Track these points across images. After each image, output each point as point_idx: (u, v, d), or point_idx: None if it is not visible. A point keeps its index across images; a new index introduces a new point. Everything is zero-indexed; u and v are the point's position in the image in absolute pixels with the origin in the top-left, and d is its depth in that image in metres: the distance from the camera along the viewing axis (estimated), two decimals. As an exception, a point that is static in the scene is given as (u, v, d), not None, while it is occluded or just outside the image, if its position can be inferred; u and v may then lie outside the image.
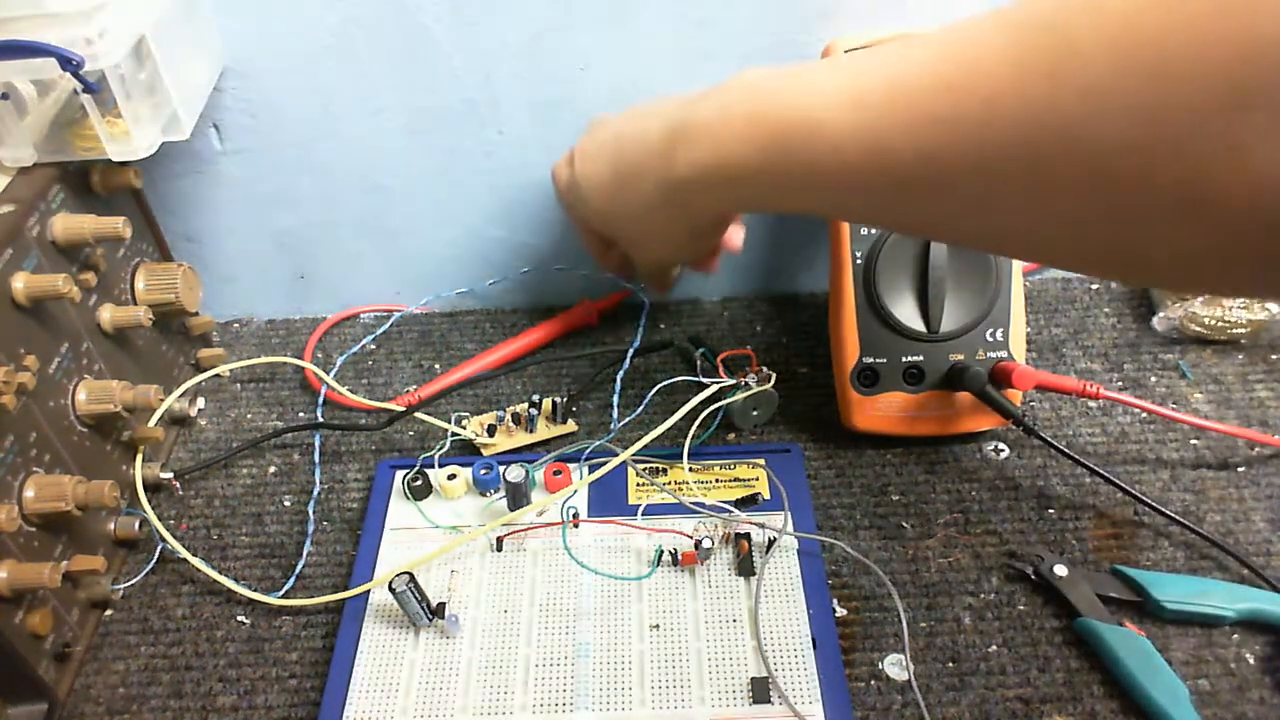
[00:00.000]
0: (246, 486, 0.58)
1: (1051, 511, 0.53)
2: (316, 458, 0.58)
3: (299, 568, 0.52)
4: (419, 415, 0.58)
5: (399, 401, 0.60)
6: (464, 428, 0.57)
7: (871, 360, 0.56)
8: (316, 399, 0.62)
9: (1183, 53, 0.26)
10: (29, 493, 0.45)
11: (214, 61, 0.57)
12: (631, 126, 0.47)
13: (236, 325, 0.70)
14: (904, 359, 0.56)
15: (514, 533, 0.51)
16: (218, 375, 0.63)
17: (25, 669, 0.45)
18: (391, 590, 0.45)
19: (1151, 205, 0.29)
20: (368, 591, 0.48)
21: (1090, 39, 0.28)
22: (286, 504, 0.57)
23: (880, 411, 0.57)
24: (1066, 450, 0.52)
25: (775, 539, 0.49)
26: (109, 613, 0.51)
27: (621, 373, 0.60)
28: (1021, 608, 0.49)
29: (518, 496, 0.50)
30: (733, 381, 0.56)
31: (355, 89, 0.59)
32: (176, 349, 0.62)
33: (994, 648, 0.47)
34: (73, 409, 0.50)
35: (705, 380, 0.56)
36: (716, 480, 0.54)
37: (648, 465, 0.54)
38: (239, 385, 0.65)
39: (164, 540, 0.52)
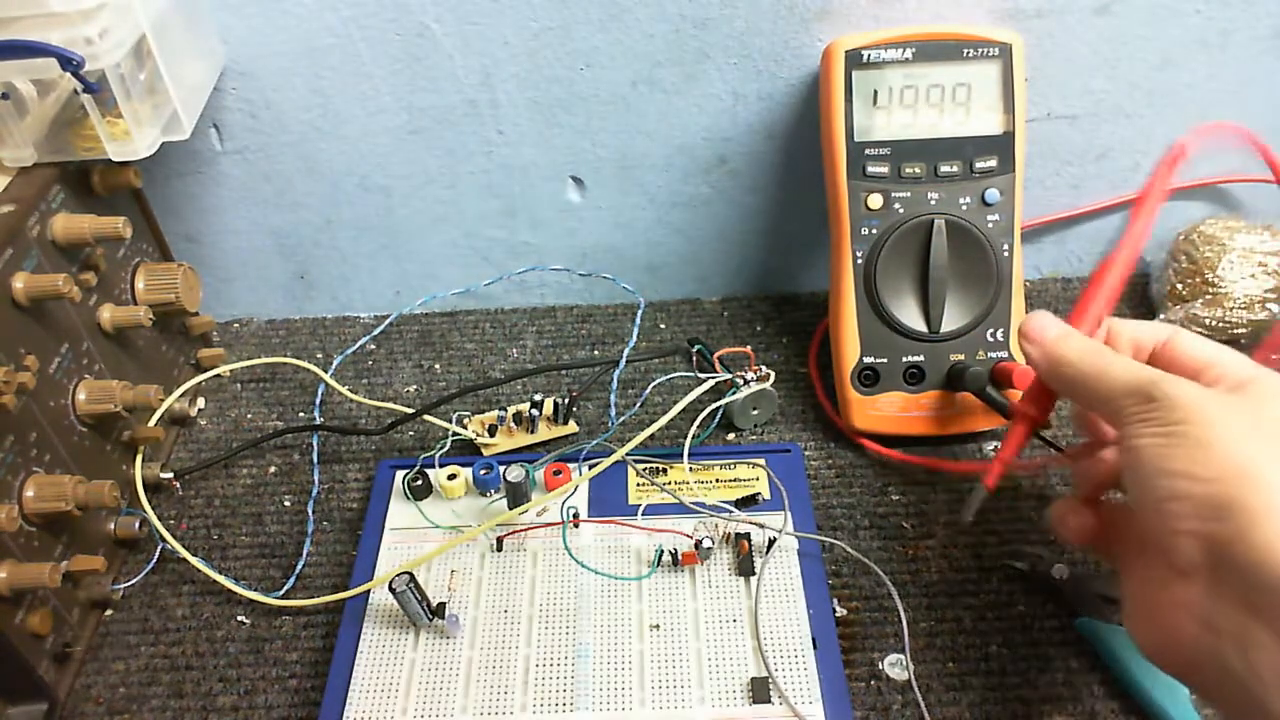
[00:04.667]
0: (246, 486, 0.58)
1: (1052, 511, 0.53)
2: (315, 458, 0.58)
3: (299, 568, 0.52)
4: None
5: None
6: (465, 428, 0.57)
7: (872, 360, 0.56)
8: (315, 399, 0.62)
9: None
10: (29, 493, 0.45)
11: (214, 61, 0.57)
12: None
13: (236, 325, 0.70)
14: (904, 359, 0.56)
15: (514, 533, 0.51)
16: (218, 375, 0.63)
17: (25, 669, 0.45)
18: (391, 590, 0.45)
19: None
20: (368, 591, 0.48)
21: None
22: (286, 504, 0.57)
23: (880, 411, 0.57)
24: (1067, 450, 0.52)
25: (775, 539, 0.49)
26: (109, 613, 0.51)
27: (619, 371, 0.60)
28: (1021, 608, 0.49)
29: (518, 496, 0.50)
30: (728, 376, 0.56)
31: (355, 89, 0.59)
32: (176, 349, 0.62)
33: (994, 648, 0.47)
34: (73, 409, 0.50)
35: (701, 376, 0.56)
36: (716, 480, 0.54)
37: (648, 465, 0.54)
38: (239, 385, 0.65)
39: (164, 540, 0.52)
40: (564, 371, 0.64)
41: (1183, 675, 0.38)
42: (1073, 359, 0.40)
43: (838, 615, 0.48)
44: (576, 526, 0.51)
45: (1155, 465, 0.36)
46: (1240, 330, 0.61)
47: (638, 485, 0.53)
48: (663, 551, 0.49)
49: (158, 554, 0.53)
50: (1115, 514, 0.42)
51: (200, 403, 0.63)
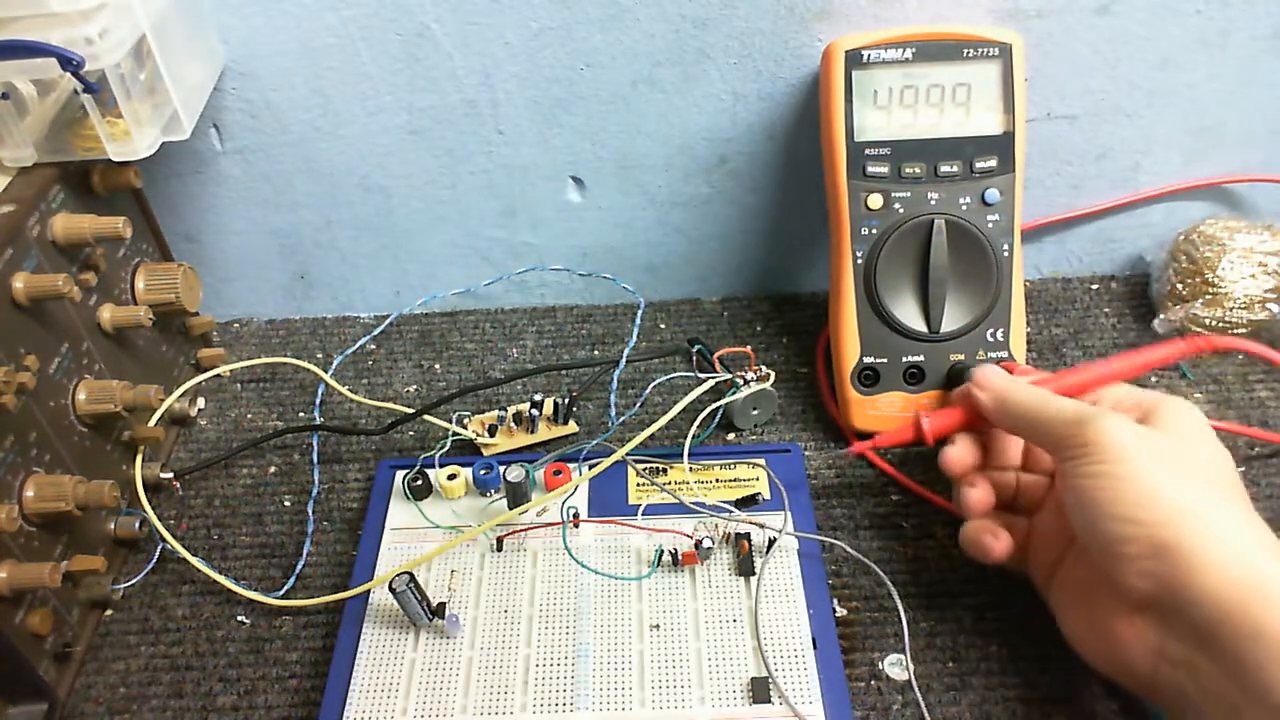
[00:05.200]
0: (246, 486, 0.58)
1: (1052, 511, 0.53)
2: (315, 458, 0.58)
3: (299, 568, 0.52)
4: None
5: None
6: (465, 428, 0.57)
7: (872, 360, 0.56)
8: (315, 399, 0.62)
9: None
10: (29, 493, 0.45)
11: (214, 61, 0.57)
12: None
13: (236, 325, 0.70)
14: (904, 359, 0.56)
15: (514, 533, 0.51)
16: (218, 375, 0.63)
17: (25, 669, 0.45)
18: (391, 590, 0.45)
19: None
20: (368, 591, 0.48)
21: None
22: (286, 504, 0.57)
23: (880, 411, 0.57)
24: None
25: (775, 539, 0.49)
26: (109, 613, 0.51)
27: (619, 371, 0.60)
28: (1021, 608, 0.49)
29: (518, 496, 0.50)
30: (728, 376, 0.56)
31: (355, 89, 0.59)
32: (176, 349, 0.62)
33: (994, 648, 0.47)
34: (73, 409, 0.50)
35: (701, 376, 0.56)
36: (716, 480, 0.54)
37: (648, 465, 0.54)
38: (239, 385, 0.65)
39: (164, 540, 0.52)
40: (564, 371, 0.64)
41: (1142, 693, 0.42)
42: (1019, 398, 0.45)
43: (838, 615, 0.48)
44: (576, 526, 0.51)
45: (1102, 509, 0.39)
46: (1240, 330, 0.61)
47: (638, 485, 0.53)
48: (663, 551, 0.49)
49: (158, 554, 0.53)
50: (1049, 538, 0.46)
51: (200, 403, 0.63)
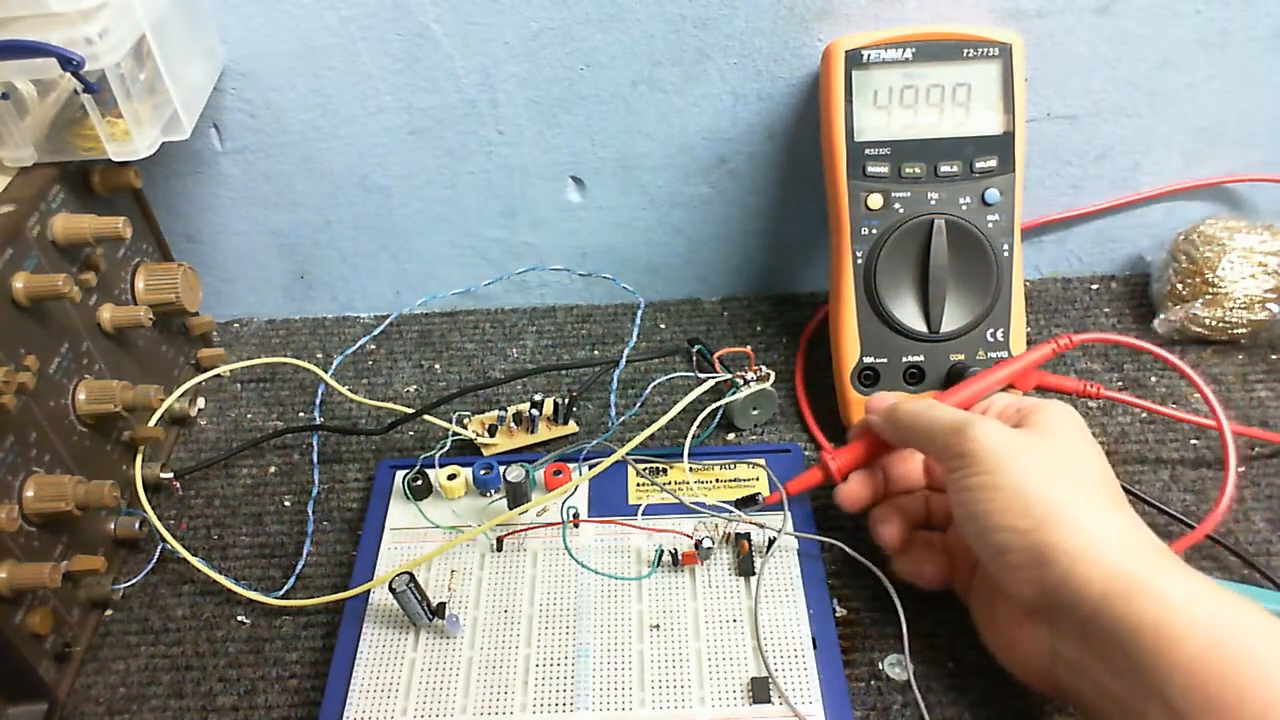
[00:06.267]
0: (246, 486, 0.58)
1: (1052, 511, 0.53)
2: (315, 458, 0.58)
3: (299, 568, 0.52)
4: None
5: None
6: (465, 428, 0.56)
7: (872, 360, 0.56)
8: (315, 399, 0.62)
9: None
10: (29, 493, 0.45)
11: (214, 61, 0.57)
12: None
13: (236, 325, 0.70)
14: (904, 359, 0.56)
15: (514, 533, 0.51)
16: (218, 375, 0.63)
17: (25, 669, 0.45)
18: (391, 590, 0.45)
19: None
20: (368, 591, 0.48)
21: None
22: (286, 504, 0.57)
23: (880, 411, 0.57)
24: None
25: (775, 539, 0.49)
26: (109, 613, 0.51)
27: (619, 371, 0.60)
28: (1022, 608, 0.49)
29: (518, 496, 0.50)
30: (728, 376, 0.56)
31: (355, 89, 0.59)
32: (176, 349, 0.62)
33: (994, 648, 0.47)
34: (73, 409, 0.50)
35: (701, 376, 0.56)
36: (716, 480, 0.54)
37: (648, 465, 0.54)
38: (239, 385, 0.65)
39: (164, 540, 0.52)
40: (564, 371, 0.64)
41: (1050, 695, 0.42)
42: (906, 407, 0.46)
43: (838, 615, 0.48)
44: (576, 526, 0.51)
45: (985, 522, 0.40)
46: (1240, 330, 0.61)
47: (638, 485, 0.53)
48: (663, 551, 0.49)
49: (158, 554, 0.53)
50: (961, 551, 0.46)
51: (200, 403, 0.63)
